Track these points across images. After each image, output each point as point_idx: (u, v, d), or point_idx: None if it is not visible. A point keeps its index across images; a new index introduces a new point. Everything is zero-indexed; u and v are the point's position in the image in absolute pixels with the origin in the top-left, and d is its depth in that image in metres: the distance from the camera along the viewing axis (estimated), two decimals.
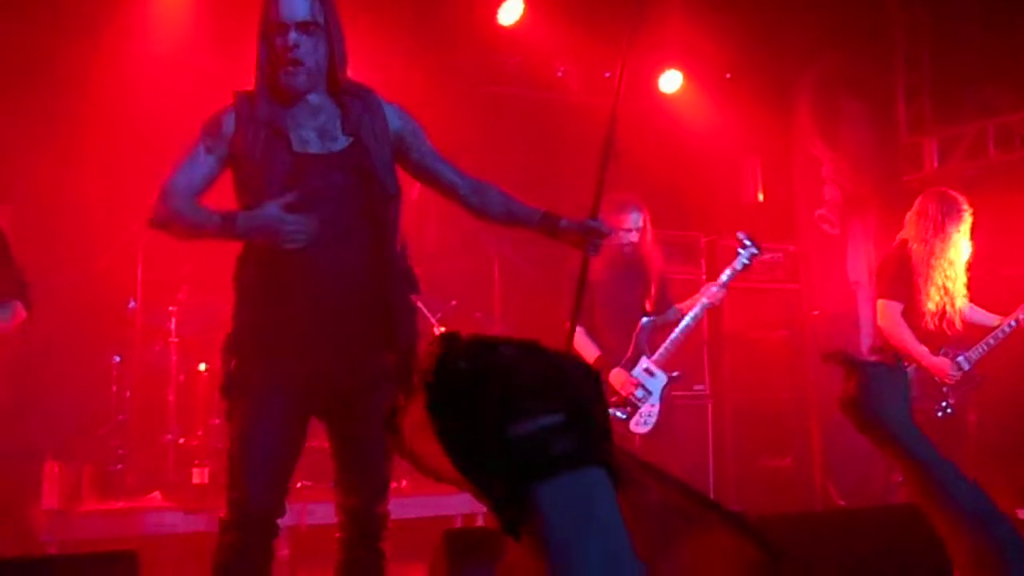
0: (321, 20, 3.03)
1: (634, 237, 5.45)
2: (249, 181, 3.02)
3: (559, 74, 8.15)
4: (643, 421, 5.32)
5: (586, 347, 5.35)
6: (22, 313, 4.33)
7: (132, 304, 6.30)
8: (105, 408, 6.32)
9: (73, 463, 5.82)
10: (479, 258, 7.06)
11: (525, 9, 7.28)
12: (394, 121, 3.18)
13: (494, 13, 7.33)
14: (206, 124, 3.09)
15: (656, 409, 5.35)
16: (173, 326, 6.22)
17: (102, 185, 6.31)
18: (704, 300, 5.45)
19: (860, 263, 7.95)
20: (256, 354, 3.01)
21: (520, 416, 0.77)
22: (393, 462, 3.20)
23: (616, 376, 5.32)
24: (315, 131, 3.05)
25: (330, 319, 2.98)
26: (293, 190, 2.93)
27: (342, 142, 3.06)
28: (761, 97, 8.11)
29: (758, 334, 7.43)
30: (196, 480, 5.69)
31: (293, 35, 2.98)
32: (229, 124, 3.06)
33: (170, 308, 6.24)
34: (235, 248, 3.12)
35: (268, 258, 2.98)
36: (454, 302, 7.02)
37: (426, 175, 3.27)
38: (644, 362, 5.36)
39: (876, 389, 1.53)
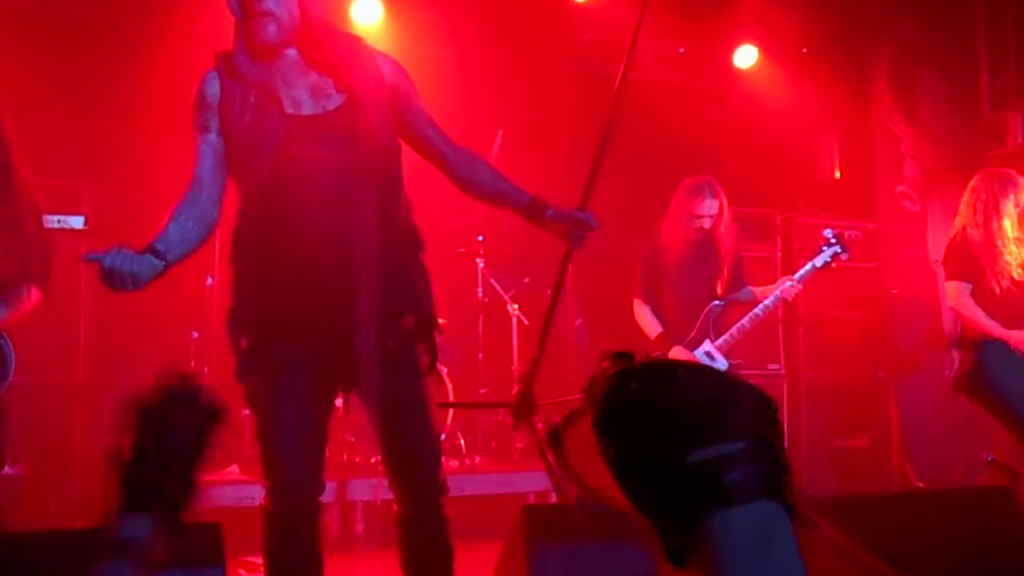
0: None
1: (707, 224, 5.28)
2: (239, 150, 2.80)
3: None
4: None
5: (649, 325, 5.30)
6: (36, 295, 3.74)
7: (210, 281, 6.40)
8: None
9: None
10: (551, 236, 7.02)
11: None
12: (388, 74, 2.93)
13: None
14: (192, 106, 2.86)
15: None
16: None
17: (180, 162, 6.40)
18: (777, 292, 5.30)
19: (941, 241, 7.78)
20: (269, 330, 2.80)
21: (700, 442, 0.74)
22: (439, 429, 2.98)
23: (676, 354, 5.20)
24: (307, 90, 2.83)
25: (343, 286, 2.74)
26: (286, 155, 2.75)
27: (336, 100, 2.83)
28: (838, 72, 7.96)
29: (834, 313, 7.32)
30: None
31: None
32: (213, 89, 2.84)
33: None
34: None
35: (269, 227, 2.78)
36: (527, 280, 7.03)
37: (414, 137, 3.01)
38: (707, 345, 5.24)
39: (992, 363, 1.50)
